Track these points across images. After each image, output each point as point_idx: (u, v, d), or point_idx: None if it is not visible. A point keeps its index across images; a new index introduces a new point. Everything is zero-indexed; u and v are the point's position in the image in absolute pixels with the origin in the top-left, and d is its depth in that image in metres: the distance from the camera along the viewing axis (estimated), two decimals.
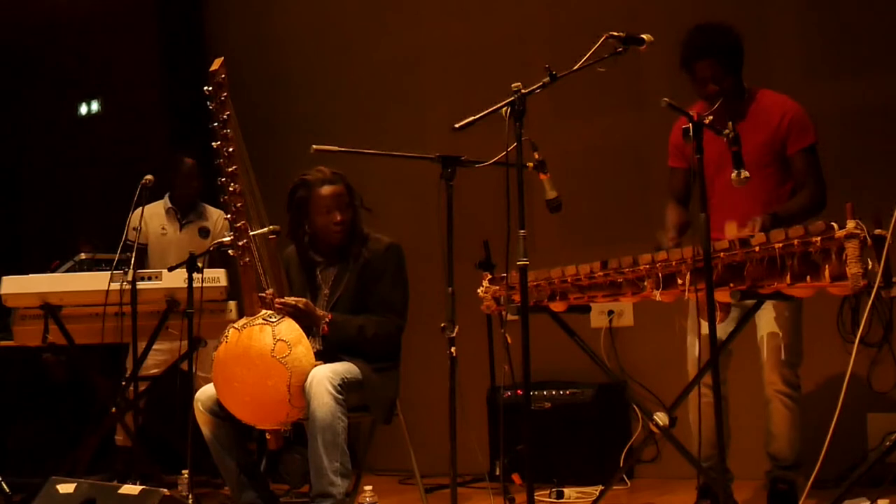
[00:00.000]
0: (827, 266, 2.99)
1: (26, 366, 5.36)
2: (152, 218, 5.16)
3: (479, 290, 3.90)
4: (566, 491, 4.41)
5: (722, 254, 3.19)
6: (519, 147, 3.10)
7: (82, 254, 4.75)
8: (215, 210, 5.35)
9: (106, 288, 4.32)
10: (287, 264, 4.05)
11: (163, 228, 5.29)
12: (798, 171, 3.74)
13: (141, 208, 4.47)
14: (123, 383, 4.69)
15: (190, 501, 3.97)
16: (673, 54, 3.79)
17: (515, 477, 4.36)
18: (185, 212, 5.34)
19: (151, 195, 4.71)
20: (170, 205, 5.33)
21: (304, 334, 3.65)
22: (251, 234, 3.69)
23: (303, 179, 3.93)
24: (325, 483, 3.52)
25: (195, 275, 4.18)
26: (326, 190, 3.90)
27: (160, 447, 5.12)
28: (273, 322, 3.63)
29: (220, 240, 3.96)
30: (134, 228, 4.74)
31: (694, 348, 3.85)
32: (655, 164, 4.12)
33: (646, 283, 3.40)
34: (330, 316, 3.82)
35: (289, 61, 6.25)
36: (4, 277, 4.45)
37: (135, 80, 6.48)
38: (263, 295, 3.71)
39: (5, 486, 4.61)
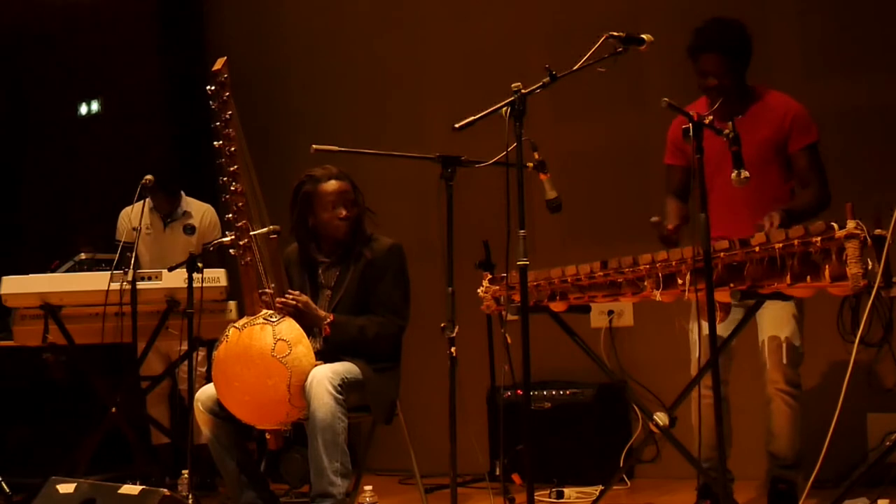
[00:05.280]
0: (827, 266, 2.99)
1: (26, 366, 5.35)
2: (138, 217, 5.11)
3: (479, 290, 3.90)
4: (566, 491, 4.41)
5: (722, 254, 3.19)
6: (519, 147, 3.10)
7: (82, 254, 4.74)
8: (200, 204, 5.29)
9: (106, 288, 4.32)
10: (287, 263, 4.05)
11: (147, 228, 5.19)
12: (801, 169, 3.75)
13: (130, 207, 4.45)
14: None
15: (190, 501, 3.97)
16: (673, 54, 3.80)
17: (515, 477, 4.36)
18: (167, 212, 5.23)
19: (139, 195, 4.66)
20: (153, 205, 5.24)
21: (304, 334, 3.64)
22: (252, 233, 3.70)
23: (309, 175, 3.94)
24: (325, 483, 3.52)
25: (195, 275, 4.18)
26: (333, 185, 3.91)
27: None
28: (274, 321, 3.63)
29: (220, 239, 3.96)
30: (134, 229, 4.74)
31: (696, 349, 3.85)
32: (656, 164, 4.12)
33: (646, 283, 3.40)
34: (332, 317, 3.81)
35: (289, 61, 6.25)
36: (4, 277, 4.45)
37: (135, 80, 6.47)
38: (263, 292, 3.71)
39: (5, 486, 4.62)
